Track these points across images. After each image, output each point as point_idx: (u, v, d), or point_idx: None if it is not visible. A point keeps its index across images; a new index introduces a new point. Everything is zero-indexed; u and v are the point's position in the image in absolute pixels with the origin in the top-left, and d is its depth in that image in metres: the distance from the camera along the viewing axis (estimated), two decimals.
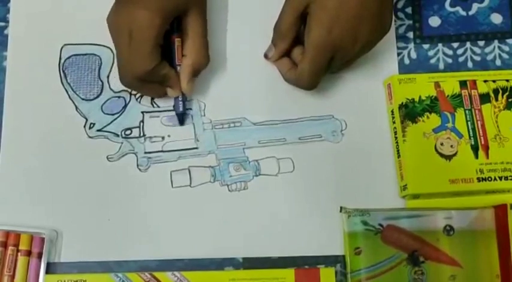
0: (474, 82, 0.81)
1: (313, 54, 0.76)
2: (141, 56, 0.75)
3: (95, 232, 0.79)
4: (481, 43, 0.84)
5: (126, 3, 0.75)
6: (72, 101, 0.83)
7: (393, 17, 0.84)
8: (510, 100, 0.81)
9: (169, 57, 0.79)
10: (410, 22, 0.85)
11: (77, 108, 0.83)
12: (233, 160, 0.81)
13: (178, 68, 0.79)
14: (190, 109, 0.82)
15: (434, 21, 0.85)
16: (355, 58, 0.79)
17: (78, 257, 0.79)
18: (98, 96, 0.83)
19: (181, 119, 0.82)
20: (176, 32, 0.78)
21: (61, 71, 0.84)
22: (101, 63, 0.84)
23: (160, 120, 0.82)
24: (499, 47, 0.84)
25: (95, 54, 0.84)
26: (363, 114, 0.82)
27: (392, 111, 0.81)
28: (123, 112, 0.83)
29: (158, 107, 0.83)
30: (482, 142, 0.79)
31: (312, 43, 0.75)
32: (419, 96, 0.81)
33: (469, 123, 0.80)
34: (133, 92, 0.83)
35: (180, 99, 0.81)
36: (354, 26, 0.74)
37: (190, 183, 0.81)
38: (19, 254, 0.77)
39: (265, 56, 0.82)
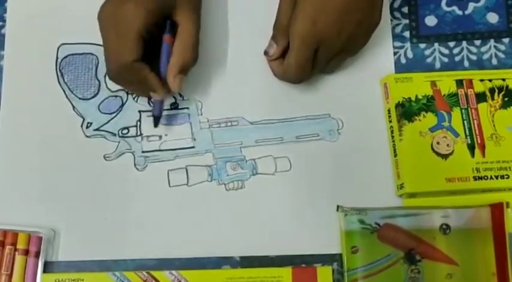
0: (470, 81, 0.82)
1: (297, 45, 0.76)
2: (124, 46, 0.75)
3: (93, 231, 0.80)
4: (477, 42, 0.84)
5: None
6: (69, 100, 0.83)
7: (389, 16, 0.85)
8: (506, 99, 0.81)
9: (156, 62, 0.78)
10: (407, 21, 0.85)
11: (74, 107, 0.83)
12: (230, 159, 0.81)
13: (163, 69, 0.78)
14: (187, 108, 0.83)
15: (431, 20, 0.85)
16: (346, 54, 0.80)
17: (76, 256, 0.79)
18: (95, 96, 0.84)
19: (157, 121, 0.81)
20: (168, 32, 0.78)
21: (58, 70, 0.84)
22: (98, 62, 0.84)
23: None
24: (495, 46, 0.84)
25: (92, 54, 0.85)
26: (359, 113, 0.82)
27: (388, 110, 0.81)
28: (120, 111, 0.83)
29: None
30: (479, 141, 0.80)
31: (296, 34, 0.75)
32: (416, 95, 0.81)
33: (465, 122, 0.80)
34: (131, 92, 0.83)
35: (158, 102, 0.80)
36: (340, 17, 0.75)
37: (188, 182, 0.81)
38: (17, 253, 0.77)
39: (266, 53, 0.81)
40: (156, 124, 0.81)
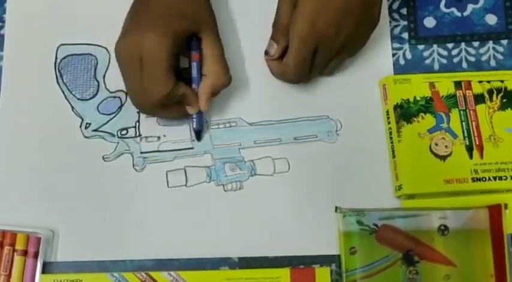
0: (469, 83, 0.82)
1: (297, 45, 0.76)
2: (156, 81, 0.74)
3: (91, 232, 0.80)
4: (476, 44, 0.84)
5: (132, 30, 0.75)
6: (68, 101, 0.83)
7: (388, 18, 0.85)
8: (504, 101, 0.81)
9: (184, 75, 0.78)
10: (406, 23, 0.85)
11: (73, 108, 0.83)
12: (229, 160, 0.81)
13: (195, 86, 0.78)
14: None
15: (429, 22, 0.85)
16: (345, 55, 0.80)
17: (75, 257, 0.79)
18: (93, 96, 0.84)
19: (198, 135, 0.81)
20: (195, 50, 0.78)
21: (57, 71, 0.84)
22: (97, 63, 0.84)
23: (156, 120, 0.82)
24: (493, 48, 0.84)
25: (91, 54, 0.84)
26: (358, 114, 0.82)
27: (387, 112, 0.81)
28: (119, 112, 0.83)
29: None
30: (477, 142, 0.80)
31: (296, 34, 0.75)
32: (414, 97, 0.81)
33: (463, 123, 0.80)
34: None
35: (194, 116, 0.80)
36: (339, 18, 0.75)
37: (186, 183, 0.81)
38: (15, 253, 0.77)
39: (267, 53, 0.81)
40: (199, 138, 0.81)
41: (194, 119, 0.80)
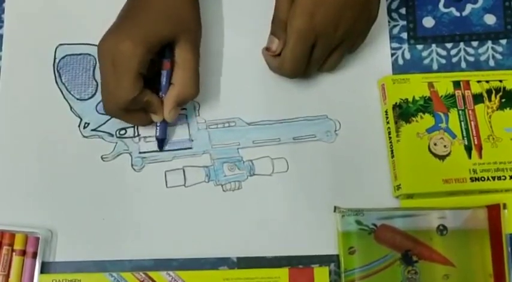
0: (467, 82, 0.82)
1: (294, 39, 0.76)
2: (122, 86, 0.74)
3: (90, 232, 0.79)
4: (475, 44, 0.84)
5: (112, 33, 0.75)
6: (66, 100, 0.83)
7: (387, 18, 0.85)
8: (503, 100, 0.81)
9: (155, 81, 0.78)
10: (404, 23, 0.85)
11: (71, 108, 0.83)
12: (227, 160, 0.81)
13: (163, 95, 0.78)
14: (185, 109, 0.82)
15: (428, 21, 0.85)
16: (344, 50, 0.80)
17: (73, 257, 0.79)
18: (92, 96, 0.84)
19: (161, 144, 0.81)
20: (167, 58, 0.77)
21: (55, 70, 0.84)
22: (96, 63, 0.84)
23: None
24: (492, 48, 0.84)
25: (90, 54, 0.84)
26: (356, 114, 0.82)
27: (386, 112, 0.81)
28: None
29: None
30: (476, 142, 0.80)
31: (294, 28, 0.75)
32: (413, 97, 0.81)
33: (462, 123, 0.80)
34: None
35: (158, 125, 0.80)
36: (338, 12, 0.75)
37: (185, 183, 0.81)
38: (14, 253, 0.77)
39: (269, 49, 0.80)
40: (161, 147, 0.81)
41: (158, 127, 0.80)
